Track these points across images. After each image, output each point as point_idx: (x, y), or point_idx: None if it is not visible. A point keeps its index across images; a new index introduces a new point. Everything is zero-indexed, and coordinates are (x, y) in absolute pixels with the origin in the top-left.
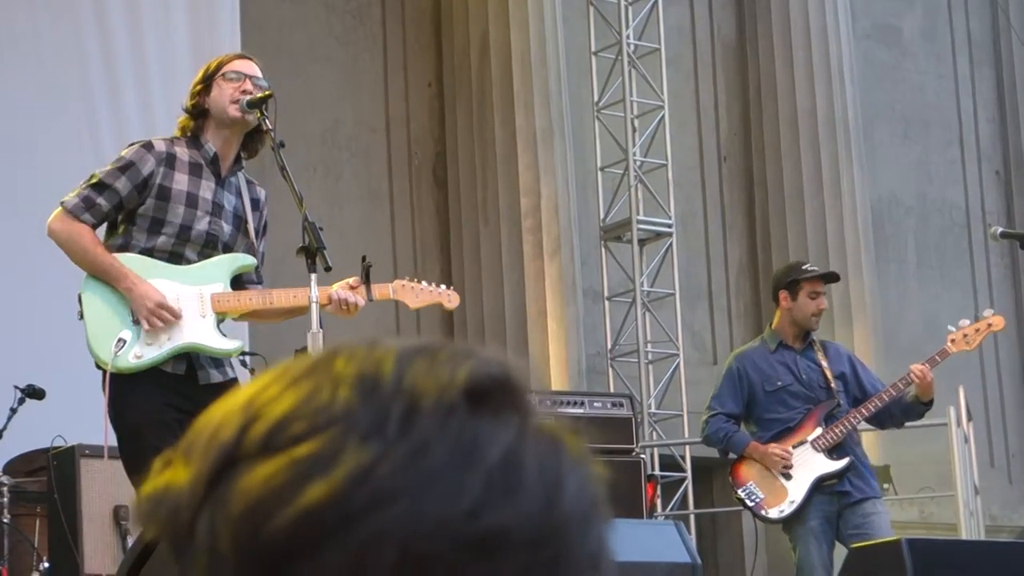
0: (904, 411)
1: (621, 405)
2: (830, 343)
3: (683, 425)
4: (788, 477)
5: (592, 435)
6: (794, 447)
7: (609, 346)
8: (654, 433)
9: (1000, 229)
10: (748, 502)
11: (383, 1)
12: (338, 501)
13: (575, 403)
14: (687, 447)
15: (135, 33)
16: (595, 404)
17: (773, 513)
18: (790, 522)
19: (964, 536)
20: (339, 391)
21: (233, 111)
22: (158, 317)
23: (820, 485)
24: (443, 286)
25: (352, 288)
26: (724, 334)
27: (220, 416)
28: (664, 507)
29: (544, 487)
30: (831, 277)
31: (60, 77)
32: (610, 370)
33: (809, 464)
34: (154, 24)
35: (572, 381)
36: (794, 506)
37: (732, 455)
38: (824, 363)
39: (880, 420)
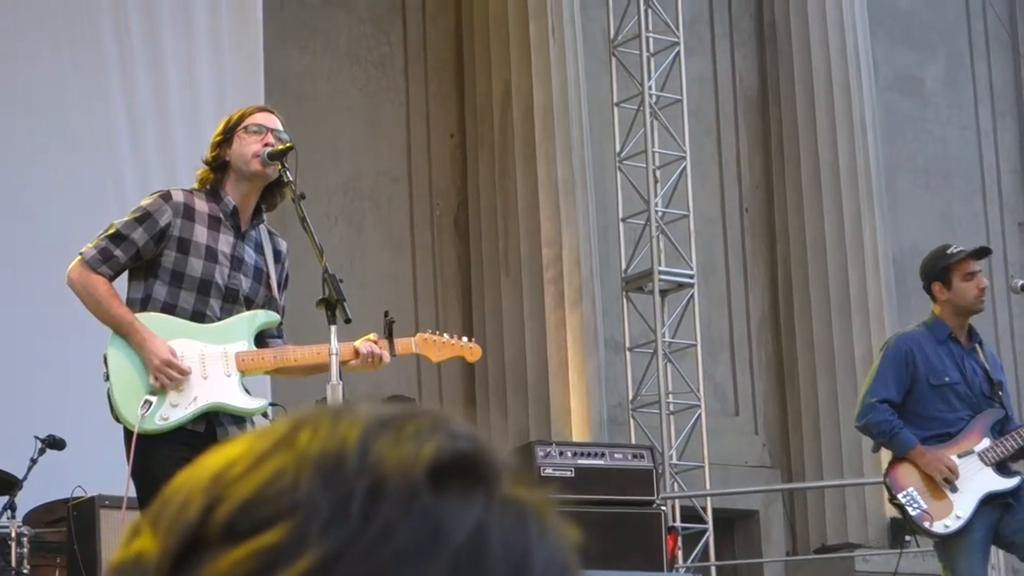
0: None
1: (642, 456)
2: (986, 344)
3: (704, 476)
4: (953, 489)
5: (613, 487)
6: (959, 456)
7: (630, 397)
8: (675, 484)
9: (1022, 281)
10: (909, 510)
11: (406, 52)
12: None
13: (596, 454)
14: (708, 499)
15: (159, 84)
16: (616, 455)
17: (938, 527)
18: (952, 535)
19: None
20: (302, 472)
21: (255, 164)
22: (164, 375)
23: (987, 501)
24: (464, 338)
25: (375, 343)
26: (746, 385)
27: (186, 490)
28: (685, 559)
29: (511, 564)
30: (981, 252)
31: (84, 129)
32: (631, 421)
33: (978, 478)
34: (177, 75)
35: (593, 432)
36: (960, 522)
37: (893, 453)
38: (988, 367)
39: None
